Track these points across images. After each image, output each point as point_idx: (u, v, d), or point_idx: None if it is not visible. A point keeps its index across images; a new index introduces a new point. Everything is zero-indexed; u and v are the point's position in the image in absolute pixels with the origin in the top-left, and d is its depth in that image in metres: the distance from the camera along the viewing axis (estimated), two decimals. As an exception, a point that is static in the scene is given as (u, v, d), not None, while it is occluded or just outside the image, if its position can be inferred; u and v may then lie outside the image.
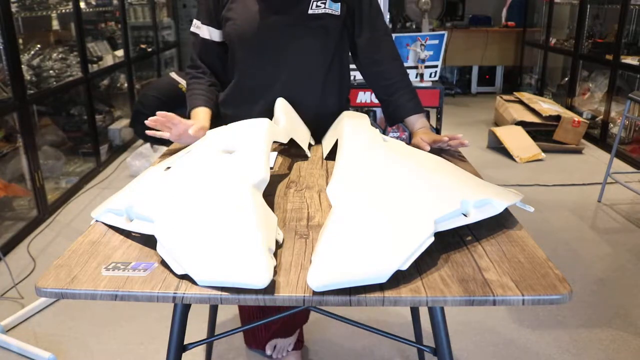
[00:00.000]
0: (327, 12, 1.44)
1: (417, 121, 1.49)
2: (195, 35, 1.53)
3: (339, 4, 1.46)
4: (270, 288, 0.79)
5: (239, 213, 0.89)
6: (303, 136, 1.42)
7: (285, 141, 1.30)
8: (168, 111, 1.32)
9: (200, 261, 0.81)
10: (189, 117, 1.51)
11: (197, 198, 0.95)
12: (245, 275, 0.77)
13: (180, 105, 3.75)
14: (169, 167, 1.13)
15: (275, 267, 0.83)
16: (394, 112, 1.52)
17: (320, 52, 1.49)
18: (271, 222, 0.93)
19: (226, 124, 1.36)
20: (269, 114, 1.41)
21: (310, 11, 1.43)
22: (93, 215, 1.05)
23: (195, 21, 1.52)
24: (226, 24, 1.46)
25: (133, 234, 0.97)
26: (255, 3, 1.43)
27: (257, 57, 1.46)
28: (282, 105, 1.42)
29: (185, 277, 0.82)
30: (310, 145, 1.48)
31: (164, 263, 0.85)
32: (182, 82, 3.87)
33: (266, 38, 1.44)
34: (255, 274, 0.77)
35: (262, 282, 0.76)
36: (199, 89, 1.50)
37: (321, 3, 1.43)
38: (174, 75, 3.98)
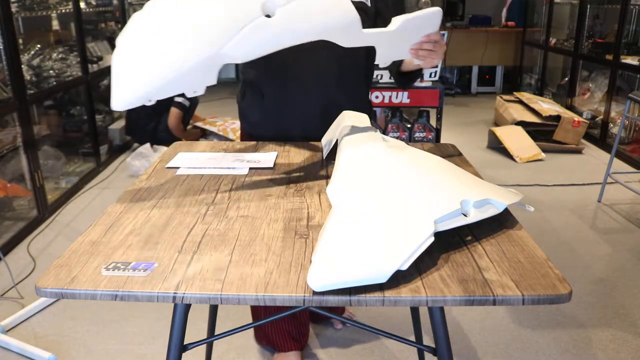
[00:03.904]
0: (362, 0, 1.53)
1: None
2: None
3: None
4: (270, 288, 0.79)
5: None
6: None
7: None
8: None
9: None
10: None
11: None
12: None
13: (167, 108, 3.78)
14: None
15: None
16: (396, 64, 1.59)
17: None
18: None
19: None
20: (300, 91, 1.55)
21: None
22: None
23: None
24: None
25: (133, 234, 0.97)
26: None
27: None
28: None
29: (185, 277, 0.82)
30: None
31: (163, 263, 0.85)
32: None
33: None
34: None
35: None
36: None
37: None
38: None
